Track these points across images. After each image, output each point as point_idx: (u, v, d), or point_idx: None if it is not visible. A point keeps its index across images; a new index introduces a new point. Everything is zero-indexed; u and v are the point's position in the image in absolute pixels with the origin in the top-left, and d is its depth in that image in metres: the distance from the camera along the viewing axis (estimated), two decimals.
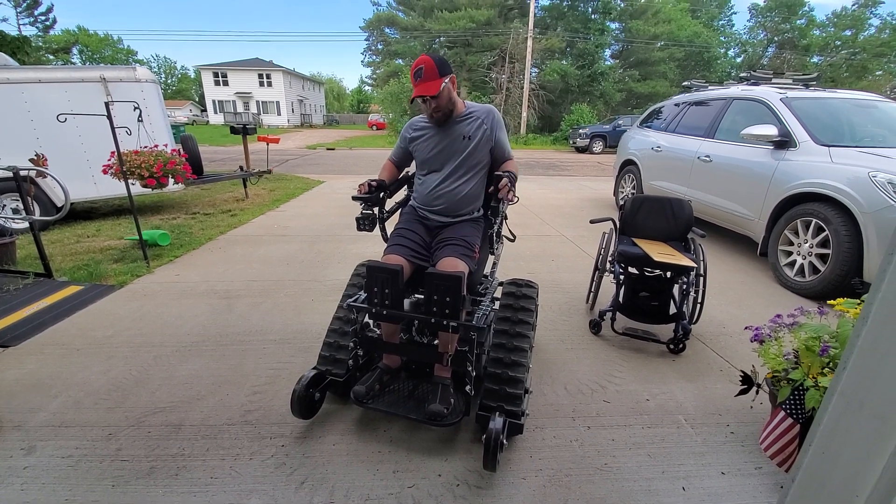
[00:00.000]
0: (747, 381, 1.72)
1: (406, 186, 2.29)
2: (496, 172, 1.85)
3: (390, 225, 2.06)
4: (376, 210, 1.97)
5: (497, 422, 1.46)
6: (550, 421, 1.81)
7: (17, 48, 10.56)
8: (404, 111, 22.08)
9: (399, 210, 2.22)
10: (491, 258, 2.16)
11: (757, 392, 1.72)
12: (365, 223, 1.89)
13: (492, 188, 1.78)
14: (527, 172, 10.99)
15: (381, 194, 1.98)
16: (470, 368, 1.57)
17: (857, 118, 3.85)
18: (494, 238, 1.98)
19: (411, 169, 2.21)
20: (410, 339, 1.90)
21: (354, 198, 1.88)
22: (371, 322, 1.95)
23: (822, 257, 3.12)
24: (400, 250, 1.80)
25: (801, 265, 3.28)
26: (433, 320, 1.55)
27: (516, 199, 1.87)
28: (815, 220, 3.17)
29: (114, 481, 1.46)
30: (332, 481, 1.48)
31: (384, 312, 1.61)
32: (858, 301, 1.61)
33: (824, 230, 3.09)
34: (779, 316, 1.69)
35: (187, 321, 2.64)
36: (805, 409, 1.46)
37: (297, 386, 1.67)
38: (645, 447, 1.67)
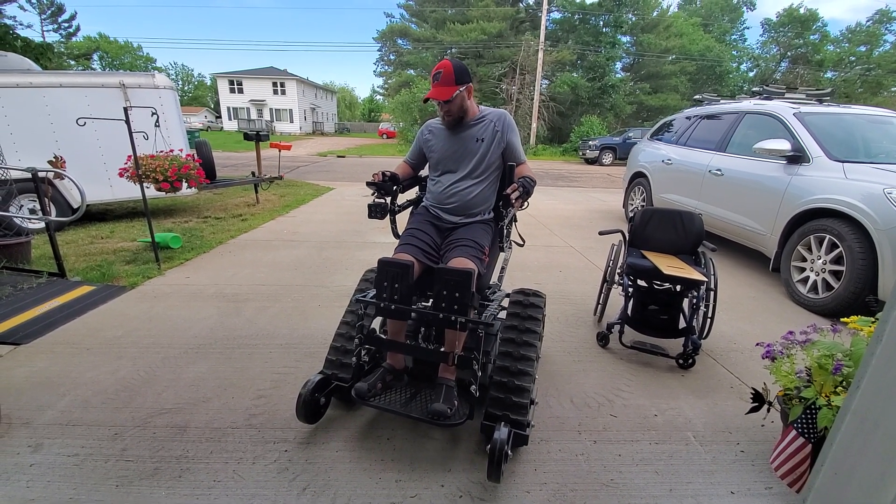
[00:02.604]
0: (758, 399, 1.69)
1: (418, 188, 2.33)
2: (515, 179, 1.85)
3: (400, 225, 2.09)
4: (388, 200, 2.02)
5: (502, 432, 1.44)
6: (556, 434, 1.79)
7: (41, 54, 10.86)
8: (415, 120, 22.30)
9: (410, 209, 2.26)
10: (500, 261, 2.17)
11: (768, 410, 1.68)
12: (377, 211, 1.96)
13: (504, 192, 1.79)
14: (535, 186, 10.98)
15: (395, 187, 2.03)
16: (476, 368, 1.55)
17: (872, 134, 3.81)
18: (504, 233, 2.01)
19: (425, 171, 2.26)
20: (417, 346, 1.90)
21: (368, 183, 1.94)
22: (377, 328, 1.96)
23: (836, 274, 3.07)
24: (411, 249, 1.82)
25: (815, 281, 3.23)
26: (441, 316, 1.54)
27: (526, 205, 1.90)
28: (828, 237, 3.13)
29: (118, 481, 1.47)
30: (335, 488, 1.47)
31: (392, 307, 1.61)
32: (873, 319, 1.58)
33: (838, 246, 3.04)
34: (791, 333, 1.66)
35: (195, 323, 2.66)
36: (817, 429, 1.42)
37: (302, 390, 1.67)
38: (652, 464, 1.64)
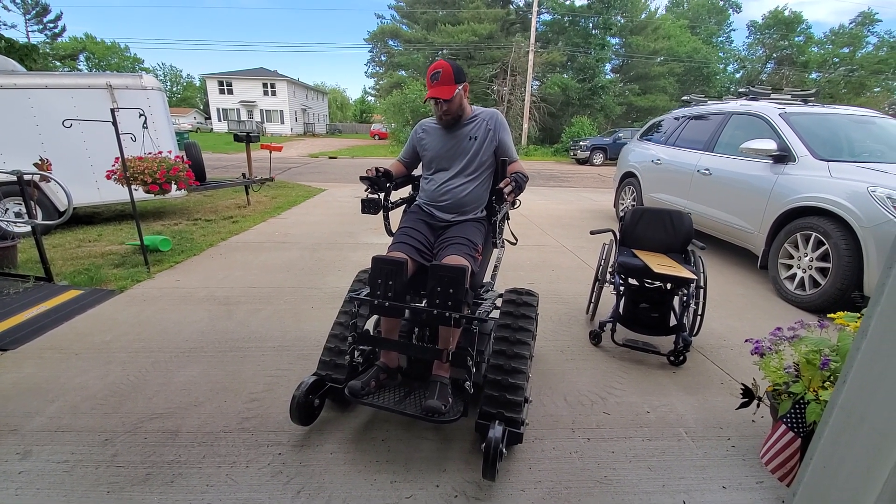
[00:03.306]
0: (748, 395, 1.71)
1: (411, 187, 2.35)
2: (508, 174, 1.87)
3: (393, 223, 2.11)
4: (381, 196, 2.03)
5: (496, 430, 1.45)
6: (550, 432, 1.80)
7: (26, 55, 10.69)
8: (406, 121, 22.29)
9: (404, 207, 2.27)
10: (493, 259, 2.18)
11: (758, 405, 1.71)
12: (370, 206, 1.98)
13: (497, 187, 1.81)
14: (527, 183, 11.04)
15: (388, 184, 2.05)
16: (470, 363, 1.55)
17: (856, 134, 3.89)
18: (497, 229, 2.02)
19: (418, 171, 2.28)
20: (410, 343, 1.90)
21: (362, 178, 1.95)
22: (371, 329, 1.95)
23: (823, 271, 3.13)
24: (404, 248, 1.84)
25: (802, 278, 3.28)
26: (435, 312, 1.55)
27: (518, 203, 1.92)
28: (814, 234, 3.18)
29: (109, 487, 1.45)
30: (329, 490, 1.46)
31: (386, 304, 1.61)
32: (858, 315, 1.61)
33: (824, 244, 3.10)
34: (779, 329, 1.69)
35: (186, 327, 2.64)
36: (806, 423, 1.45)
37: (296, 392, 1.66)
38: (645, 460, 1.66)
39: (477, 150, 2.01)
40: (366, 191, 1.98)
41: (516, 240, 2.35)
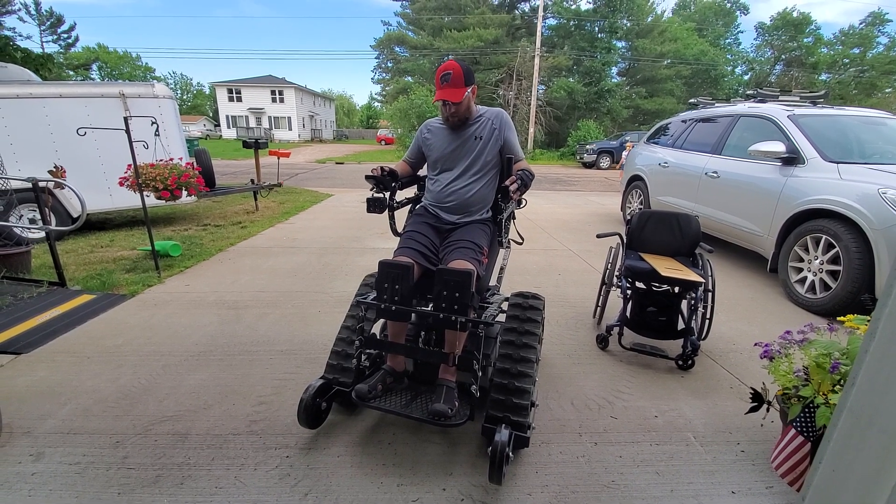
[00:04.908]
0: (757, 399, 1.70)
1: (416, 188, 2.36)
2: (513, 172, 1.87)
3: (399, 223, 2.13)
4: (387, 195, 2.04)
5: (503, 434, 1.45)
6: (557, 436, 1.79)
7: (41, 65, 10.94)
8: (413, 126, 22.41)
9: (410, 207, 2.28)
10: (499, 260, 2.19)
11: (767, 410, 1.69)
12: (375, 205, 1.98)
13: (503, 185, 1.82)
14: (533, 187, 11.03)
15: (394, 183, 2.06)
16: (476, 368, 1.56)
17: (866, 135, 3.85)
18: (503, 228, 2.03)
19: (423, 172, 2.29)
20: (417, 347, 1.91)
21: (367, 177, 1.96)
22: (378, 333, 1.97)
23: (833, 274, 3.09)
24: (410, 252, 1.84)
25: (812, 282, 3.24)
26: (441, 316, 1.55)
27: (524, 202, 1.92)
28: (825, 237, 3.15)
29: (120, 489, 1.47)
30: (336, 493, 1.47)
31: (393, 308, 1.62)
32: (869, 317, 1.59)
33: (834, 247, 3.07)
34: (788, 332, 1.67)
35: (196, 331, 2.67)
36: (816, 427, 1.43)
37: (304, 395, 1.67)
38: (653, 465, 1.64)
39: (482, 149, 2.01)
40: (371, 190, 1.99)
41: (522, 239, 2.35)
